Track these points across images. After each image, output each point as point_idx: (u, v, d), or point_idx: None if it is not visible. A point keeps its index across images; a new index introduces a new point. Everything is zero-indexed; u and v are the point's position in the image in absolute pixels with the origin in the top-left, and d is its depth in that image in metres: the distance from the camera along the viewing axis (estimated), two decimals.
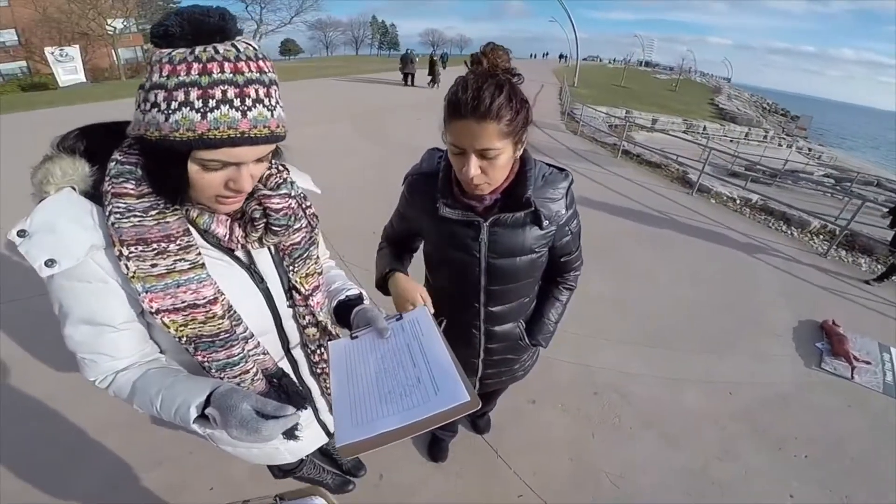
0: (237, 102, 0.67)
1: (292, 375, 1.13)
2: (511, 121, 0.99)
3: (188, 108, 0.65)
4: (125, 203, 0.74)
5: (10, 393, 2.67)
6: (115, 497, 2.08)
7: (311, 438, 1.30)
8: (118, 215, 0.73)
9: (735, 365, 3.30)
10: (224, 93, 0.66)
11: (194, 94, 0.65)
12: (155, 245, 0.76)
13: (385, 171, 6.65)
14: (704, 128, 22.68)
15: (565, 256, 1.41)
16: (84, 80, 19.13)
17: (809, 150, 24.41)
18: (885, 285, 4.94)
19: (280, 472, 2.04)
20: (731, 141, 20.45)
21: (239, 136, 0.69)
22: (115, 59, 27.68)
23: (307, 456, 1.74)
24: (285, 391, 1.06)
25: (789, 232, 6.35)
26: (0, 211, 4.44)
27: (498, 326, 1.47)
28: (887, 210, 5.40)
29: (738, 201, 7.32)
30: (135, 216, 0.75)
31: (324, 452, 2.19)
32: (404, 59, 19.26)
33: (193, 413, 0.78)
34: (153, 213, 0.76)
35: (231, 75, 0.66)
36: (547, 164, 1.28)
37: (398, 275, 1.31)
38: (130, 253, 0.75)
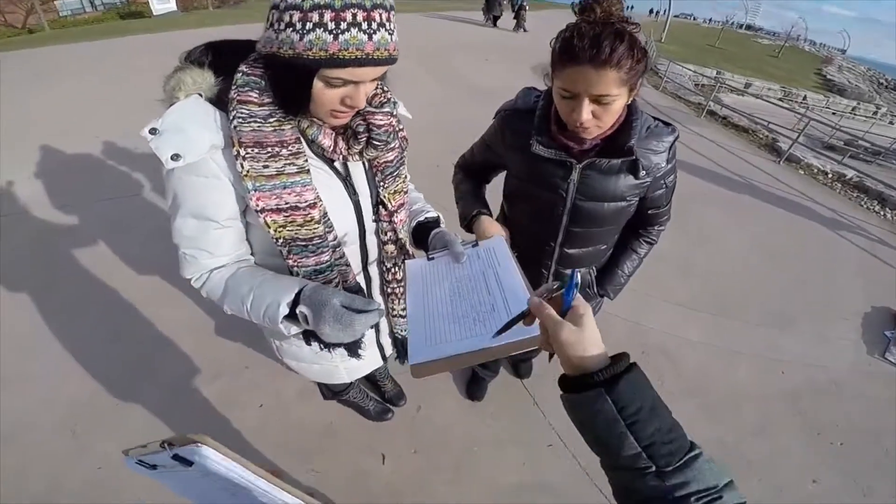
0: (364, 25, 0.71)
1: (365, 292, 1.18)
2: (630, 69, 0.99)
3: (322, 30, 0.70)
4: (248, 109, 0.82)
5: (96, 289, 2.91)
6: (174, 405, 2.24)
7: (369, 359, 1.38)
8: (240, 120, 0.81)
9: (794, 344, 3.13)
10: (354, 16, 0.70)
11: (328, 15, 0.69)
12: (269, 149, 0.84)
13: (447, 109, 6.66)
14: (805, 97, 20.79)
15: (654, 209, 1.40)
16: (175, 9, 19.73)
17: None
18: None
19: (329, 392, 2.16)
20: (833, 114, 18.61)
21: (364, 56, 0.74)
22: None
23: (356, 380, 1.83)
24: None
25: (883, 213, 5.75)
26: (121, 119, 4.91)
27: (569, 269, 1.46)
28: None
29: (829, 175, 6.67)
30: (255, 122, 0.82)
31: (369, 378, 2.28)
32: (491, 1, 18.90)
33: (284, 310, 0.86)
34: (271, 120, 0.84)
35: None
36: (654, 116, 1.25)
37: (483, 217, 1.36)
38: (247, 154, 0.82)
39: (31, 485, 1.89)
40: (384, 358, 1.44)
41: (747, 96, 13.01)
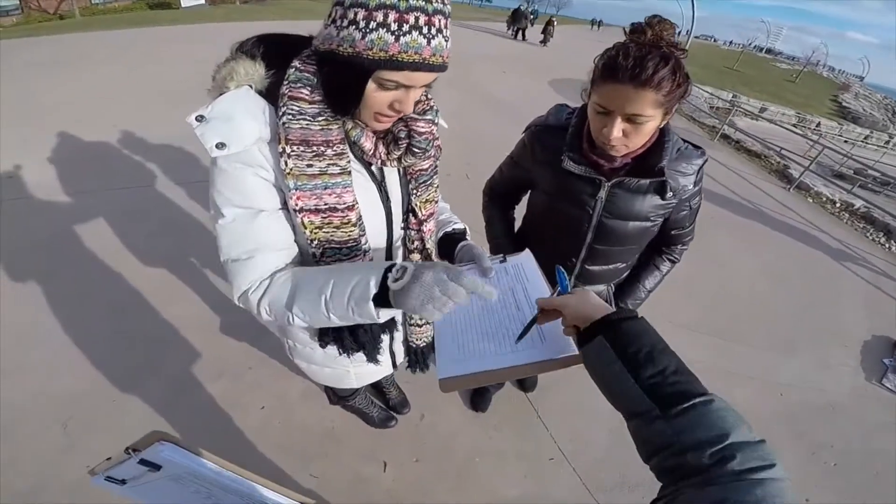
0: (425, 30, 0.71)
1: None
2: (669, 92, 1.01)
3: (384, 30, 0.69)
4: (298, 106, 0.81)
5: (100, 279, 2.89)
6: (175, 403, 2.21)
7: (380, 366, 1.35)
8: (290, 116, 0.81)
9: (794, 368, 3.20)
10: (417, 19, 0.70)
11: (392, 16, 0.69)
12: (315, 148, 0.83)
13: (466, 120, 6.66)
14: (818, 124, 20.79)
15: (677, 230, 1.43)
16: (203, 2, 19.91)
17: None
18: None
19: (336, 397, 2.16)
20: (845, 142, 18.66)
21: (421, 61, 0.74)
22: None
23: (361, 386, 1.85)
24: None
25: (888, 246, 5.82)
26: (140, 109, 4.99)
27: (589, 286, 1.49)
28: None
29: (838, 204, 6.74)
30: (304, 119, 0.82)
31: (375, 385, 2.28)
32: (517, 13, 19.46)
33: (373, 289, 0.78)
34: (320, 119, 0.83)
35: (423, 3, 0.70)
36: (684, 139, 1.29)
37: None
38: (292, 151, 0.82)
39: (22, 480, 1.85)
40: (395, 365, 1.43)
41: (761, 121, 13.03)
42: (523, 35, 19.49)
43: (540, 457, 2.24)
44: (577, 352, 0.76)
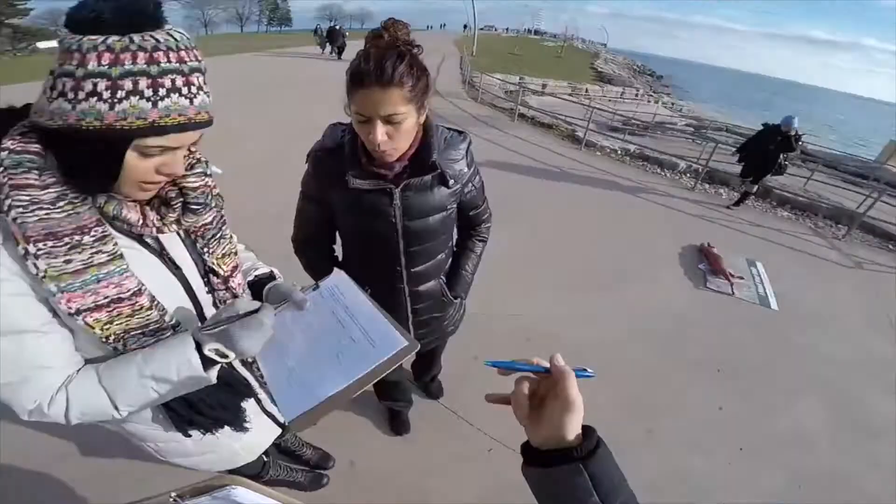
0: (185, 90, 0.67)
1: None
2: (413, 87, 1.05)
3: (137, 98, 0.63)
4: (28, 195, 0.66)
5: None
6: None
7: (263, 431, 1.27)
8: (21, 209, 0.66)
9: (640, 292, 3.78)
10: (174, 81, 0.66)
11: (143, 83, 0.63)
12: (67, 239, 0.70)
13: (273, 150, 6.34)
14: (587, 90, 23.81)
15: (473, 210, 1.52)
16: None
17: (673, 104, 26.61)
18: (741, 209, 6.19)
19: (248, 478, 1.96)
20: (609, 100, 21.68)
21: (187, 121, 0.69)
22: None
23: (268, 458, 1.69)
24: (225, 381, 0.98)
25: (663, 173, 7.61)
26: None
27: (421, 286, 1.52)
28: (734, 150, 6.48)
29: (619, 152, 8.32)
30: (41, 209, 0.67)
31: (285, 451, 2.09)
32: (334, 32, 19.67)
33: (196, 361, 0.78)
34: (62, 203, 0.69)
35: (177, 65, 0.66)
36: (447, 127, 1.34)
37: None
38: (39, 250, 0.67)
39: None
40: (281, 426, 1.33)
41: (545, 96, 14.77)
42: (340, 53, 19.23)
43: (479, 452, 2.29)
44: (407, 342, 0.81)
